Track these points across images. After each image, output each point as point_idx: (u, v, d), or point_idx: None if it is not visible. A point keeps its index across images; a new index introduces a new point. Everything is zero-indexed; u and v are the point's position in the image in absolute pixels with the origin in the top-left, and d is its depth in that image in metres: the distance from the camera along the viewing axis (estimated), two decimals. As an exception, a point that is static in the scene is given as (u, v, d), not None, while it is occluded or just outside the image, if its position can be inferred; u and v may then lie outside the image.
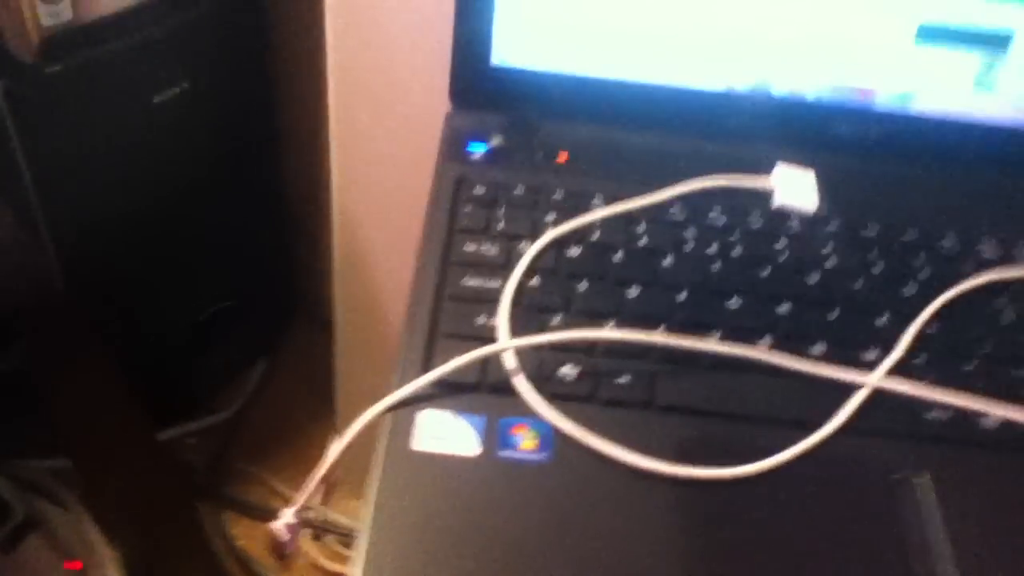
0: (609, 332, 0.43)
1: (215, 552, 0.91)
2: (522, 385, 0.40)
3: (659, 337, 0.43)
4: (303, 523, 0.97)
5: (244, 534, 0.97)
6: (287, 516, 0.40)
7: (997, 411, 0.42)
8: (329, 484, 1.00)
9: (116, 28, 0.70)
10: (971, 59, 0.52)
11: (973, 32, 0.52)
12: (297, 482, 0.42)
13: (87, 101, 0.70)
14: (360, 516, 0.37)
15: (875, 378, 0.42)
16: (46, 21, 0.66)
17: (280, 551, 0.42)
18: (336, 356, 0.85)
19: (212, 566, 0.90)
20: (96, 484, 0.77)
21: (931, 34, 0.52)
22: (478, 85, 0.54)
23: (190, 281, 0.88)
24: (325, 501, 0.99)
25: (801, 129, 0.55)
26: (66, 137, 0.70)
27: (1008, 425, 0.42)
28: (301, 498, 0.40)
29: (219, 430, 1.02)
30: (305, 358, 1.06)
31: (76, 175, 0.73)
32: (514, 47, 0.53)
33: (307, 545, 0.97)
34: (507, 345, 0.41)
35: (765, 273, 0.47)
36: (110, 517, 0.82)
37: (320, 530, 0.97)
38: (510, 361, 0.41)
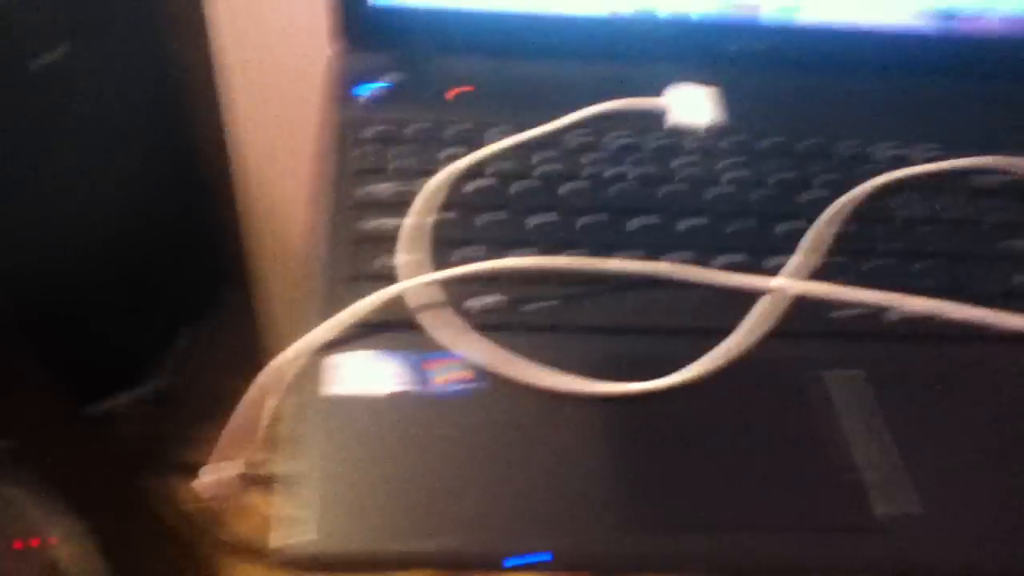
0: (512, 261, 0.42)
1: (165, 517, 0.89)
2: (431, 320, 0.40)
3: (562, 261, 0.42)
4: (253, 480, 0.96)
5: (194, 496, 0.95)
6: (202, 475, 0.39)
7: (899, 303, 0.43)
8: (271, 440, 0.98)
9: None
10: (852, -35, 0.53)
11: (851, -62, 0.52)
12: (240, 438, 0.41)
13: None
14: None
15: (780, 281, 0.43)
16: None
17: (217, 503, 0.41)
18: (261, 313, 0.84)
19: (164, 531, 0.89)
20: (31, 465, 0.75)
21: (811, -57, 0.52)
22: (360, 25, 0.52)
23: (103, 253, 0.84)
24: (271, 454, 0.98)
25: (690, 49, 0.54)
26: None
27: (911, 316, 0.43)
28: (213, 457, 0.39)
29: (157, 397, 1.00)
30: (236, 318, 1.04)
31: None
32: (396, -17, 0.52)
33: (259, 500, 0.95)
34: (411, 282, 0.40)
35: (666, 191, 0.47)
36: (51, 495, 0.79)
37: (269, 483, 0.95)
38: (415, 298, 0.40)
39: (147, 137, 0.83)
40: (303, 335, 0.39)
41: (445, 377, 0.38)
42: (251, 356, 0.88)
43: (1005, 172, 0.49)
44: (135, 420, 0.97)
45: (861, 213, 0.47)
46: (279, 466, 0.36)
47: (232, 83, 0.66)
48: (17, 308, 0.70)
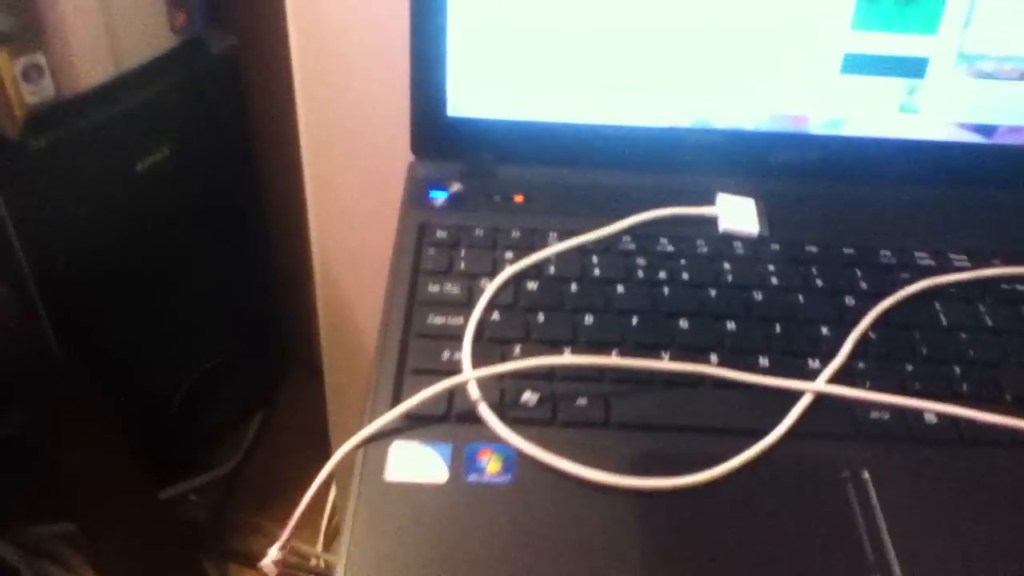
0: (564, 358, 0.46)
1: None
2: (485, 413, 0.43)
3: (612, 360, 0.46)
4: (309, 571, 1.00)
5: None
6: (272, 554, 0.43)
7: (932, 408, 0.45)
8: (329, 533, 1.02)
9: (97, 100, 0.74)
10: (894, 84, 0.56)
11: (893, 60, 0.55)
12: (299, 529, 0.45)
13: (72, 172, 0.73)
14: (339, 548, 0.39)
15: (817, 385, 0.45)
16: (30, 99, 0.70)
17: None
18: (328, 403, 0.88)
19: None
20: (102, 545, 0.80)
21: (855, 64, 0.56)
22: (436, 136, 0.58)
23: (183, 340, 0.91)
24: (327, 548, 1.01)
25: (742, 158, 0.58)
26: (53, 207, 0.74)
27: (944, 420, 0.45)
28: (285, 535, 0.43)
29: (220, 484, 1.05)
30: (300, 408, 1.08)
31: (65, 243, 0.76)
32: (467, 100, 0.57)
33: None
34: (469, 376, 0.44)
35: (712, 294, 0.50)
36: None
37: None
38: (473, 391, 0.44)
39: (233, 229, 0.90)
40: (370, 423, 0.43)
41: (495, 467, 0.42)
42: (315, 446, 0.93)
43: (1042, 282, 0.52)
44: (200, 505, 1.02)
45: (899, 318, 0.50)
46: (337, 555, 0.39)
47: (314, 184, 0.72)
48: (100, 390, 0.76)
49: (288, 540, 0.43)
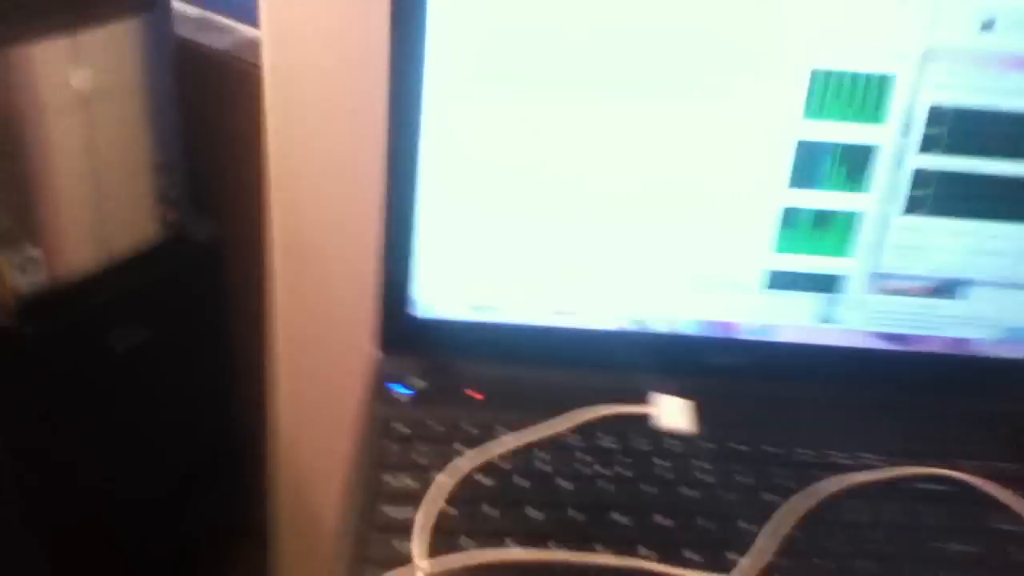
0: (508, 553, 0.50)
1: None
2: (432, 603, 0.47)
3: (551, 554, 0.50)
4: None
5: None
6: None
7: (844, 604, 0.49)
8: None
9: (85, 288, 0.79)
10: (814, 298, 0.63)
11: (812, 277, 0.62)
12: None
13: (57, 354, 0.78)
14: None
15: (733, 580, 0.50)
16: (22, 287, 0.75)
17: None
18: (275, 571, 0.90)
19: None
20: None
21: (778, 281, 0.62)
22: (400, 334, 0.63)
23: (147, 507, 0.93)
24: None
25: (679, 359, 0.64)
26: (37, 386, 0.78)
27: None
28: None
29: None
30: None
31: (44, 421, 0.80)
32: (430, 301, 0.63)
33: None
34: (418, 568, 0.48)
35: (644, 490, 0.55)
36: None
37: None
38: (422, 583, 0.48)
39: (201, 407, 0.94)
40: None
41: (439, 657, 0.45)
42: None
43: (948, 480, 0.56)
44: None
45: (811, 515, 0.54)
46: None
47: (285, 368, 0.77)
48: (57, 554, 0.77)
49: None
